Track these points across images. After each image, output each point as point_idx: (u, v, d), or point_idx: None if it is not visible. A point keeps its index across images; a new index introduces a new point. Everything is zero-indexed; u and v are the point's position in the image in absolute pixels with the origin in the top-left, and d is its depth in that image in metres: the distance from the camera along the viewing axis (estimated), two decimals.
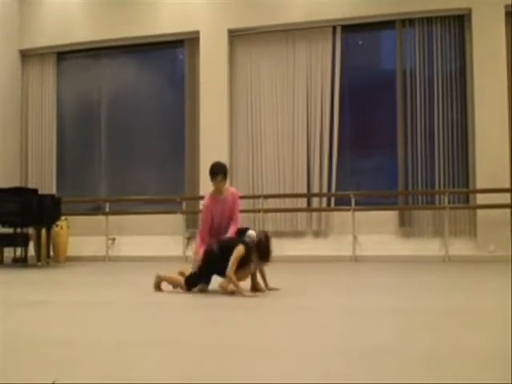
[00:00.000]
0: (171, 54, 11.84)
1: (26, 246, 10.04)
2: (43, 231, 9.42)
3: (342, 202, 10.18)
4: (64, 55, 11.98)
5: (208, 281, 5.63)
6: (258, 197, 10.33)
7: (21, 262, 9.86)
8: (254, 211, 10.32)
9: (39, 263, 9.28)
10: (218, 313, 4.62)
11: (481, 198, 9.46)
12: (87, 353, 3.11)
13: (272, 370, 2.68)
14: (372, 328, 3.73)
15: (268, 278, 5.72)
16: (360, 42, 10.80)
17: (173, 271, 5.90)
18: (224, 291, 5.38)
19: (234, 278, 5.27)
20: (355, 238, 9.70)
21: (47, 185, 11.50)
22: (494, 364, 2.72)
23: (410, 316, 4.17)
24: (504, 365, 2.62)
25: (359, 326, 3.82)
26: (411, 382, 2.42)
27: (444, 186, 9.73)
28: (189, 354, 3.05)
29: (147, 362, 2.82)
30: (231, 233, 5.77)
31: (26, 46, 11.83)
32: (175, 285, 5.71)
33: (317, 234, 10.26)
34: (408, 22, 10.09)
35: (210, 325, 4.07)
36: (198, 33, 10.85)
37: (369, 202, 10.12)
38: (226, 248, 5.42)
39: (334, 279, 7.21)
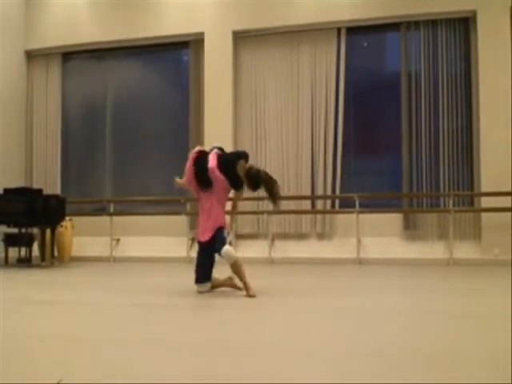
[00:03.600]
0: (176, 55, 11.85)
1: (30, 246, 10.05)
2: (48, 231, 9.44)
3: (346, 205, 10.17)
4: (69, 56, 11.99)
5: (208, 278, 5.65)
6: (263, 199, 10.30)
7: (25, 262, 9.87)
8: (257, 213, 10.33)
9: (43, 263, 9.29)
10: (220, 313, 4.63)
11: (486, 201, 9.43)
12: (92, 352, 3.12)
13: (274, 371, 2.69)
14: (375, 330, 3.73)
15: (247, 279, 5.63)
16: (365, 44, 10.79)
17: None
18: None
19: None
20: (359, 241, 9.68)
21: (52, 185, 11.51)
22: (496, 367, 2.72)
23: (414, 318, 4.17)
24: (506, 366, 2.63)
25: (363, 327, 3.82)
26: (413, 382, 2.43)
27: (449, 189, 9.71)
28: (193, 354, 3.05)
29: (152, 362, 2.83)
30: None
31: (32, 46, 11.85)
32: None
33: (321, 236, 10.25)
34: (413, 24, 10.08)
35: (212, 325, 4.08)
36: (202, 34, 10.85)
37: (373, 205, 10.10)
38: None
39: (339, 281, 7.21)
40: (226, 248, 5.38)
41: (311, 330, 3.77)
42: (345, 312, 4.51)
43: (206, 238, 5.58)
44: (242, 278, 5.42)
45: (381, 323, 3.99)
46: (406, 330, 3.72)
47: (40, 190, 10.03)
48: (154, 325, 4.03)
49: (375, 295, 5.58)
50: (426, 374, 2.58)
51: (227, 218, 5.80)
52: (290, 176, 10.40)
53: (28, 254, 10.03)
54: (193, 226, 10.40)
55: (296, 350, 3.12)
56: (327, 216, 10.22)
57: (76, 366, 2.81)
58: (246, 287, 5.37)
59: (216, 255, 5.58)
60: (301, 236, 10.29)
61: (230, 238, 5.54)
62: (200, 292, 5.57)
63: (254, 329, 3.93)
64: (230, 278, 5.79)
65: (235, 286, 5.73)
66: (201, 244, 5.67)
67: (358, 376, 2.57)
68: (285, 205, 10.31)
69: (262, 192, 10.46)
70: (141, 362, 2.87)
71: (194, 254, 9.69)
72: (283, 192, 10.22)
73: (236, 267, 5.40)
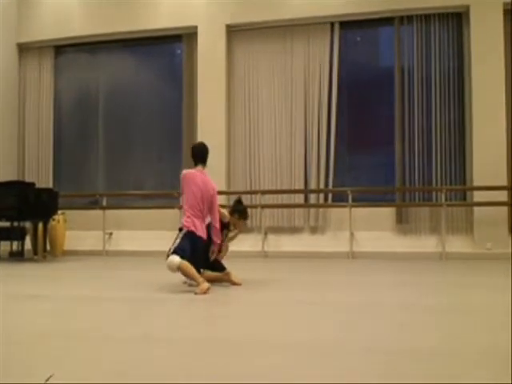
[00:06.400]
0: (169, 48, 11.81)
1: (22, 239, 10.03)
2: (40, 225, 9.40)
3: (339, 199, 10.18)
4: (62, 49, 11.94)
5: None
6: (256, 192, 10.32)
7: (17, 256, 9.85)
8: (251, 207, 10.31)
9: (36, 257, 9.26)
10: (213, 308, 4.63)
11: (478, 196, 9.47)
12: (84, 347, 3.12)
13: (265, 368, 2.69)
14: (369, 325, 3.74)
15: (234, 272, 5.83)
16: (358, 39, 10.79)
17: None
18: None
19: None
20: (352, 235, 9.70)
21: (44, 179, 11.48)
22: (493, 362, 2.72)
23: (408, 313, 4.18)
24: (503, 363, 2.62)
25: (357, 322, 3.83)
26: (410, 381, 2.42)
27: (441, 183, 9.73)
28: (188, 350, 3.05)
29: (141, 358, 2.82)
30: None
31: (24, 39, 11.79)
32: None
33: (314, 230, 10.26)
34: (406, 18, 10.08)
35: (204, 320, 4.08)
36: (195, 28, 10.82)
37: (366, 199, 10.12)
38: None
39: (332, 276, 7.22)
40: (168, 260, 5.38)
41: (303, 325, 3.77)
42: (338, 307, 4.51)
43: None
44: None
45: (375, 318, 3.99)
46: (400, 326, 3.72)
47: (32, 184, 9.99)
48: (144, 320, 4.02)
49: (369, 290, 5.59)
50: (424, 372, 2.57)
51: None
52: (284, 170, 10.40)
53: (20, 248, 10.01)
54: None
55: (289, 346, 3.12)
56: (320, 210, 10.23)
57: (66, 362, 2.80)
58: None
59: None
60: (294, 230, 10.30)
61: (178, 241, 5.54)
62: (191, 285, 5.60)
63: (248, 323, 3.92)
64: (227, 274, 5.80)
65: (231, 281, 5.74)
66: None
67: (353, 374, 2.57)
68: (278, 199, 10.34)
69: (254, 186, 10.50)
70: (131, 358, 2.86)
71: None
72: (276, 186, 10.33)
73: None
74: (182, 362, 2.78)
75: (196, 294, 5.08)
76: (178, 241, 5.53)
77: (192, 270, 5.33)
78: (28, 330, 3.58)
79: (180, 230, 5.64)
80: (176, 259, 5.32)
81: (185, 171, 5.80)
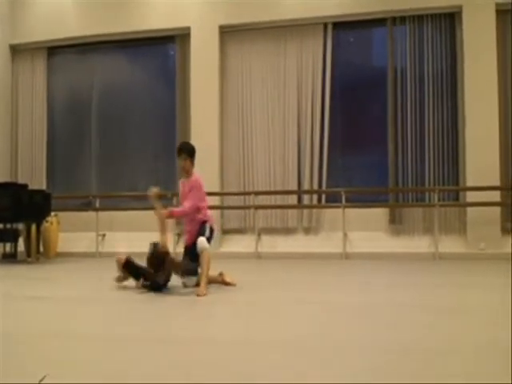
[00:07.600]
0: (162, 49, 11.79)
1: (15, 241, 9.99)
2: (33, 227, 9.36)
3: (332, 199, 10.19)
4: (55, 50, 11.89)
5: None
6: (249, 193, 10.32)
7: (10, 258, 9.80)
8: (244, 208, 10.33)
9: (29, 259, 9.22)
10: (211, 308, 4.64)
11: (470, 196, 9.50)
12: (83, 347, 3.11)
13: (270, 365, 2.69)
14: (368, 324, 3.74)
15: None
16: (351, 40, 10.82)
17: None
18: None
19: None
20: (346, 235, 9.70)
21: (37, 180, 11.43)
22: (492, 361, 2.73)
23: (406, 313, 4.19)
24: (502, 363, 2.63)
25: (357, 321, 3.84)
26: (410, 380, 2.43)
27: (434, 184, 9.76)
28: (188, 350, 3.05)
29: (144, 358, 2.82)
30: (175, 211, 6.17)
31: (17, 40, 11.74)
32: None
33: (307, 230, 10.27)
34: (399, 19, 10.11)
35: (205, 320, 4.08)
36: (188, 29, 10.82)
37: (359, 199, 10.15)
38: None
39: (326, 276, 7.23)
40: (202, 239, 5.52)
41: (302, 325, 3.78)
42: (337, 307, 4.52)
43: None
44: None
45: (373, 318, 4.00)
46: (396, 325, 3.73)
47: (25, 185, 9.94)
48: (143, 320, 4.02)
49: (365, 290, 5.59)
50: (423, 372, 2.58)
51: None
52: (277, 171, 10.41)
53: (13, 250, 9.96)
54: (179, 221, 10.37)
55: (289, 346, 3.13)
56: (314, 210, 10.25)
57: (66, 362, 2.80)
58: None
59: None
60: (287, 231, 10.31)
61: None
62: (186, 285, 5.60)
63: (246, 324, 3.93)
64: (221, 274, 5.80)
65: (225, 282, 5.74)
66: None
67: (353, 373, 2.57)
68: (271, 199, 10.34)
69: (247, 187, 10.49)
70: (131, 358, 2.86)
71: (180, 249, 9.70)
72: (270, 187, 10.33)
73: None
74: (181, 361, 2.78)
75: (198, 296, 5.08)
76: (208, 233, 5.70)
77: (209, 266, 5.39)
78: (26, 331, 3.57)
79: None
80: (208, 246, 5.47)
81: (199, 177, 5.92)
